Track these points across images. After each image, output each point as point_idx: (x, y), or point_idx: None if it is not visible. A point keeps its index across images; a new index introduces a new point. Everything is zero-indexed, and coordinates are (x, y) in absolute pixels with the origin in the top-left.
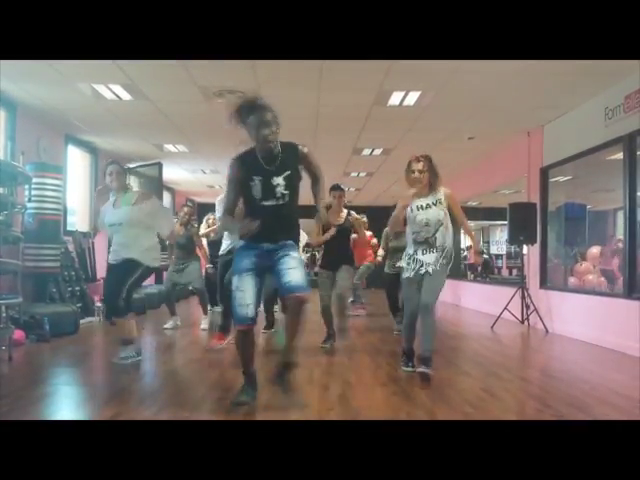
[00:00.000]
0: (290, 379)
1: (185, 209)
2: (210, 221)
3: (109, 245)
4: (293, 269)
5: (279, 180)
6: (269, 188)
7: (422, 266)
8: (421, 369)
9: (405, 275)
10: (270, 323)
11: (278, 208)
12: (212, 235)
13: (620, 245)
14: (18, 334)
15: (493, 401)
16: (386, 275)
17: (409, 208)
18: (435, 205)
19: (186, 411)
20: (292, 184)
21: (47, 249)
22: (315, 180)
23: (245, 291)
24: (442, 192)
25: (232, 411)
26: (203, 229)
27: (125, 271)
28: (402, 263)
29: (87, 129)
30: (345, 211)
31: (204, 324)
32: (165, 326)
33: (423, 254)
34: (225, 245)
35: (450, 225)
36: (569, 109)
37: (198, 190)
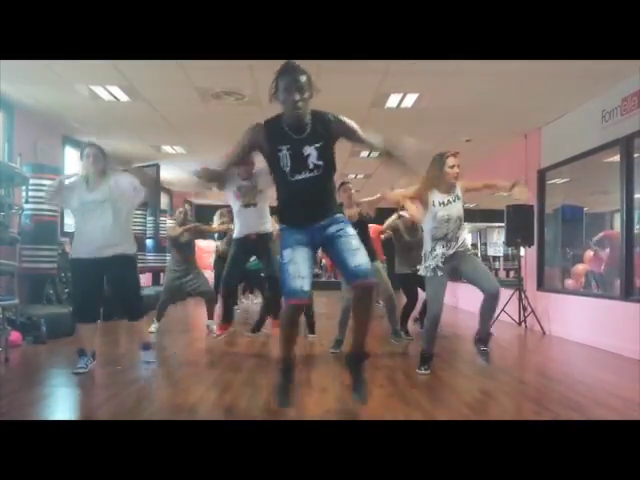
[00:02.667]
0: (364, 382)
1: (181, 208)
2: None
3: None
4: (357, 250)
5: (310, 150)
6: (299, 159)
7: (444, 258)
8: (482, 348)
9: (428, 273)
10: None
11: (312, 181)
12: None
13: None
14: (15, 336)
15: (490, 403)
16: (401, 276)
17: (431, 202)
18: (455, 201)
19: (184, 411)
20: (326, 155)
21: (44, 250)
22: (374, 144)
23: (299, 263)
24: (459, 187)
25: (230, 411)
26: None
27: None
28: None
29: (84, 130)
30: (356, 207)
31: (214, 328)
32: (150, 330)
33: (446, 249)
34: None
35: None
36: (566, 111)
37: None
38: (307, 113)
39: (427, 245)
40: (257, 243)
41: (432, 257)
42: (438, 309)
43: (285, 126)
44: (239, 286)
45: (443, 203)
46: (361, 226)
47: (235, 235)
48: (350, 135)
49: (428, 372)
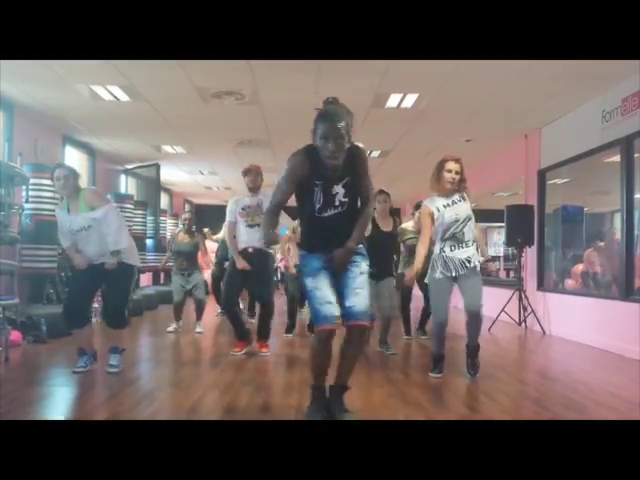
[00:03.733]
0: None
1: (185, 215)
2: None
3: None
4: (359, 290)
5: (338, 188)
6: (328, 198)
7: (459, 265)
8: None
9: (434, 276)
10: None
11: (337, 217)
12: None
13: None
14: (15, 335)
15: (490, 403)
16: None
17: (435, 210)
18: (461, 201)
19: (184, 411)
20: (352, 190)
21: (44, 250)
22: (362, 202)
23: (324, 288)
24: (464, 191)
25: (229, 412)
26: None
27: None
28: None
29: (85, 130)
30: (391, 218)
31: (199, 328)
32: (168, 329)
33: (451, 250)
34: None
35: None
36: (567, 112)
37: (196, 191)
38: (342, 159)
39: (436, 247)
40: (255, 258)
41: (441, 261)
42: (442, 315)
43: (321, 162)
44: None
45: (448, 205)
46: (393, 237)
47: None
48: (359, 174)
49: (440, 375)
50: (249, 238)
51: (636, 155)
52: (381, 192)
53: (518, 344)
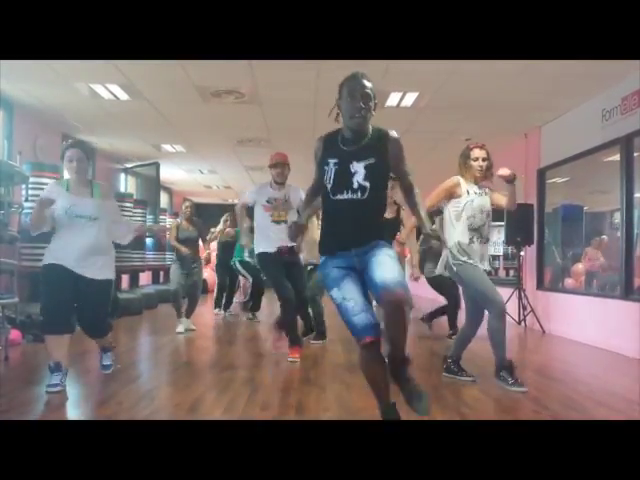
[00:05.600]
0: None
1: (187, 203)
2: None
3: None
4: (386, 265)
5: (358, 167)
6: (345, 176)
7: (483, 258)
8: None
9: (468, 262)
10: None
11: (355, 204)
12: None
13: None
14: (14, 334)
15: (490, 402)
16: (437, 278)
17: (465, 191)
18: (486, 194)
19: (183, 411)
20: (376, 175)
21: (44, 249)
22: (407, 188)
23: (354, 298)
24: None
25: (229, 411)
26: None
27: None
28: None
29: (84, 129)
30: (395, 206)
31: (181, 328)
32: (177, 330)
33: (480, 244)
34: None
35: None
36: (566, 111)
37: (195, 190)
38: (368, 127)
39: (463, 237)
40: (290, 255)
41: (471, 251)
42: (501, 300)
43: (340, 138)
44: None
45: (477, 193)
46: (395, 224)
47: (262, 249)
48: (397, 161)
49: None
50: (277, 237)
51: (636, 154)
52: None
53: (517, 343)
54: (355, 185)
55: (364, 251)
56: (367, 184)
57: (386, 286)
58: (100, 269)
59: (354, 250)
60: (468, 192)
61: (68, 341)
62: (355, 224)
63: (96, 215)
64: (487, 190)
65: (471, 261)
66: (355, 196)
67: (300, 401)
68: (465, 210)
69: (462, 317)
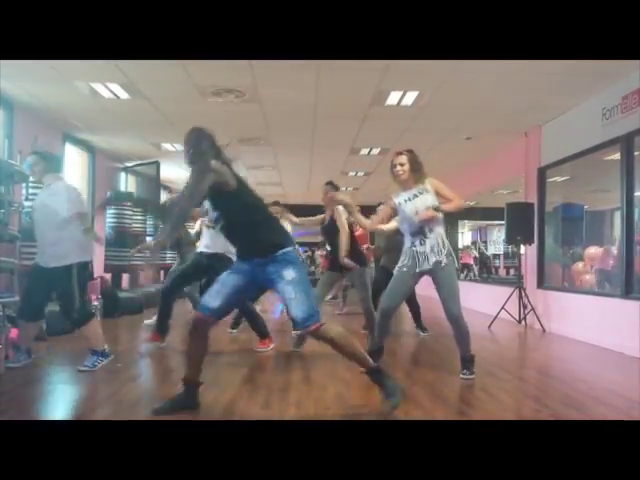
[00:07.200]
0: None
1: None
2: None
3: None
4: (294, 299)
5: (207, 204)
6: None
7: (424, 259)
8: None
9: (400, 265)
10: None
11: (225, 230)
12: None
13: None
14: (15, 333)
15: (490, 401)
16: (381, 269)
17: (397, 204)
18: (423, 194)
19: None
20: (218, 207)
21: None
22: None
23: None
24: (427, 182)
25: (229, 410)
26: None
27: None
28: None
29: (85, 128)
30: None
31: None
32: (146, 322)
33: (421, 244)
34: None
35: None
36: (567, 109)
37: None
38: None
39: (407, 242)
40: None
41: (411, 254)
42: (392, 303)
43: None
44: None
45: (409, 199)
46: (328, 230)
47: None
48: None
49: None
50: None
51: (636, 153)
52: (327, 183)
53: (518, 342)
54: (213, 218)
55: (263, 262)
56: (215, 214)
57: (298, 322)
58: (55, 255)
59: (249, 262)
60: (399, 203)
61: (37, 327)
62: (235, 243)
63: (43, 203)
64: (426, 187)
65: (404, 268)
66: (217, 226)
67: (300, 400)
68: (401, 221)
69: (435, 313)
